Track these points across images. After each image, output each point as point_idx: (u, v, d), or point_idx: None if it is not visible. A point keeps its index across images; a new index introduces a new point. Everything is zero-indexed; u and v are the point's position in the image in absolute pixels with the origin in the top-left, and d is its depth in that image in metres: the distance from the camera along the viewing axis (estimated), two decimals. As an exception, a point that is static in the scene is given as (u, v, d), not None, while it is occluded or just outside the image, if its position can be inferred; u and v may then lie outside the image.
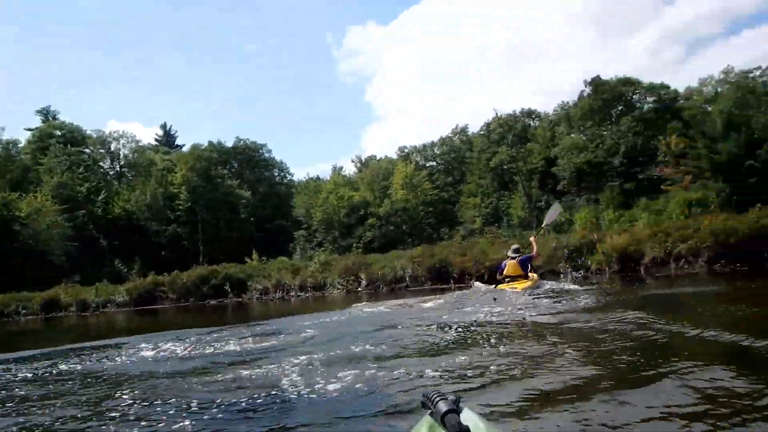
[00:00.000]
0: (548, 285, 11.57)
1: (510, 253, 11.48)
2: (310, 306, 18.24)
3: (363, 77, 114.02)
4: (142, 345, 7.98)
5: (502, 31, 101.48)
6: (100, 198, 48.35)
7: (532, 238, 12.70)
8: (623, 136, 40.12)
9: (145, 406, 4.34)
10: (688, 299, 9.46)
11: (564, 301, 9.13)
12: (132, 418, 4.03)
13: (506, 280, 11.02)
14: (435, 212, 53.73)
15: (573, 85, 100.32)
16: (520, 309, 8.52)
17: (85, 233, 43.24)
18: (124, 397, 4.72)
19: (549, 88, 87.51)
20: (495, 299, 9.55)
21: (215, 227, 52.03)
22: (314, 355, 5.71)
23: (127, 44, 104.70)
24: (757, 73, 34.80)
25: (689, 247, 14.32)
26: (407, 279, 20.29)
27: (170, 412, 4.06)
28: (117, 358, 7.18)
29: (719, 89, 37.47)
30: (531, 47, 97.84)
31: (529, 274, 11.17)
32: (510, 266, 11.11)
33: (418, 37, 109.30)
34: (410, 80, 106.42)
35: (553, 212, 15.06)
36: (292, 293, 22.89)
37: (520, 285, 10.55)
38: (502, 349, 5.52)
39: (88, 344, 9.28)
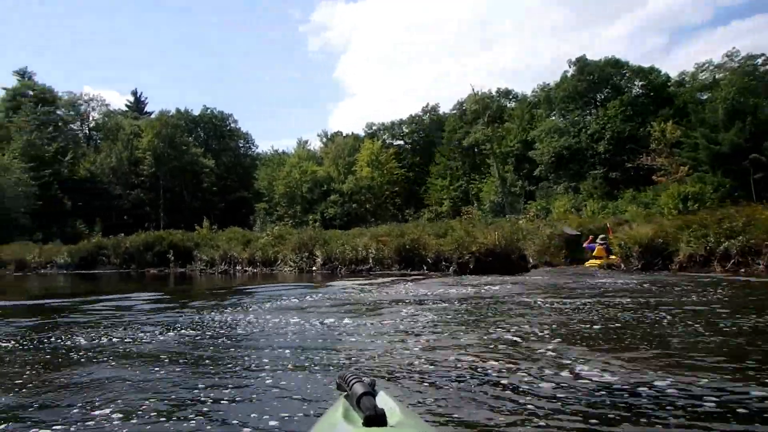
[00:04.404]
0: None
1: (599, 241, 15.51)
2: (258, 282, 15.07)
3: (333, 54, 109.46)
4: None
5: (476, 7, 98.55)
6: (67, 158, 48.54)
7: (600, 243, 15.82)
8: (610, 121, 37.28)
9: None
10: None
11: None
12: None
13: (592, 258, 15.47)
14: (401, 192, 51.23)
15: (548, 67, 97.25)
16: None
17: (49, 192, 43.38)
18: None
19: (522, 68, 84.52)
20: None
21: (178, 194, 52.39)
22: None
23: (109, 12, 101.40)
24: (760, 60, 31.95)
25: (742, 244, 10.97)
26: (371, 260, 16.80)
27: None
28: None
29: (716, 76, 34.66)
30: (505, 25, 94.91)
31: (611, 256, 14.83)
32: (598, 249, 15.30)
33: (391, 14, 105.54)
34: (382, 57, 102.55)
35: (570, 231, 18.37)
36: (239, 267, 20.59)
37: (598, 262, 14.73)
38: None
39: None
